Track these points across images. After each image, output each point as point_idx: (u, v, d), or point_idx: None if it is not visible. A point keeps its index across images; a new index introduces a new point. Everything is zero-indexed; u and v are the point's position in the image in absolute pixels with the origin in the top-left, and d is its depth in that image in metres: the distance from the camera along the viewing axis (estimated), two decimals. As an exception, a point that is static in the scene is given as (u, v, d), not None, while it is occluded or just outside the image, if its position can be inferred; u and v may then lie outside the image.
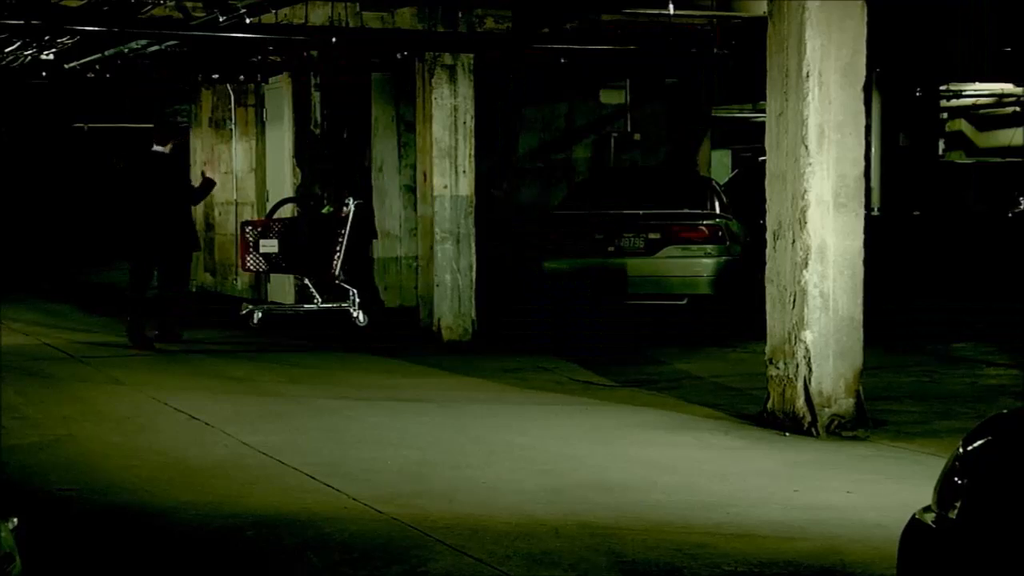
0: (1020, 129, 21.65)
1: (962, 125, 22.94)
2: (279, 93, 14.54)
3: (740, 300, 11.04)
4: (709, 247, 11.43)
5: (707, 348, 10.79)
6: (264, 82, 14.96)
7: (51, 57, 11.98)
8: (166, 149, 11.16)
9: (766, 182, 7.62)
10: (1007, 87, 19.56)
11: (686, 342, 11.08)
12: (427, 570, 4.88)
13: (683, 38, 12.14)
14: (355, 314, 11.95)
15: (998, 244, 12.91)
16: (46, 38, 11.42)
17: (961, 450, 3.38)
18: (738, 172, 18.53)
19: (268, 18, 10.81)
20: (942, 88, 18.66)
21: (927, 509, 3.42)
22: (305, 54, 13.20)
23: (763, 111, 7.89)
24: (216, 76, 14.98)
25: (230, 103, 15.73)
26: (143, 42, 11.49)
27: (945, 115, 21.75)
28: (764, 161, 7.71)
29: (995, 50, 14.57)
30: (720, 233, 11.52)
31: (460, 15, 11.54)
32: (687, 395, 8.60)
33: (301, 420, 7.90)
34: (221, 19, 10.12)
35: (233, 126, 15.81)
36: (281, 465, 6.65)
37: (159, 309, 11.24)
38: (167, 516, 5.70)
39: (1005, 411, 3.57)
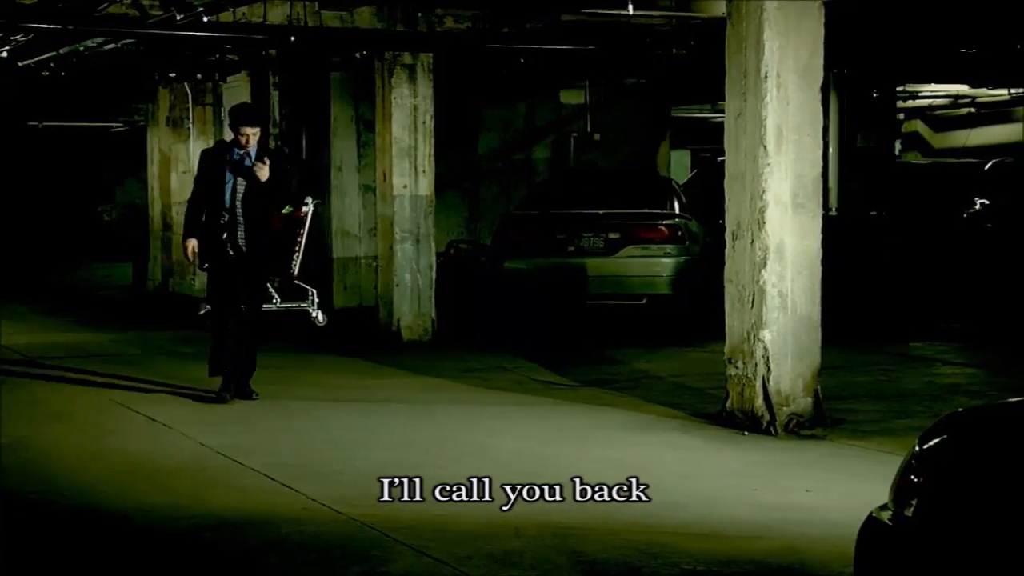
0: (975, 130, 21.89)
1: (918, 126, 23.14)
2: (237, 91, 14.46)
3: (699, 300, 11.09)
4: (669, 247, 11.47)
5: (667, 348, 10.83)
6: (222, 81, 14.86)
7: (4, 55, 11.84)
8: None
9: (725, 182, 7.66)
10: (962, 88, 19.75)
11: (646, 342, 11.11)
12: (387, 570, 4.87)
13: (642, 39, 12.17)
14: (314, 314, 11.90)
15: (954, 244, 13.03)
16: (-1, 35, 11.30)
17: (917, 448, 3.41)
18: (697, 172, 18.59)
19: (226, 17, 10.73)
20: (899, 89, 18.82)
21: (884, 507, 3.45)
22: (263, 53, 13.13)
23: (722, 111, 7.93)
24: (173, 75, 14.88)
25: (188, 102, 15.63)
26: (99, 40, 11.39)
27: (902, 116, 21.95)
28: (723, 161, 7.75)
29: (950, 52, 14.70)
30: (680, 233, 11.57)
31: (420, 15, 11.52)
32: (647, 395, 8.63)
33: (261, 421, 7.86)
34: (178, 17, 10.05)
35: (191, 125, 15.71)
36: (241, 466, 6.62)
37: (242, 347, 8.48)
38: (127, 518, 5.66)
39: (960, 410, 3.61)
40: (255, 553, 5.16)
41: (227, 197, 8.29)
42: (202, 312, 12.15)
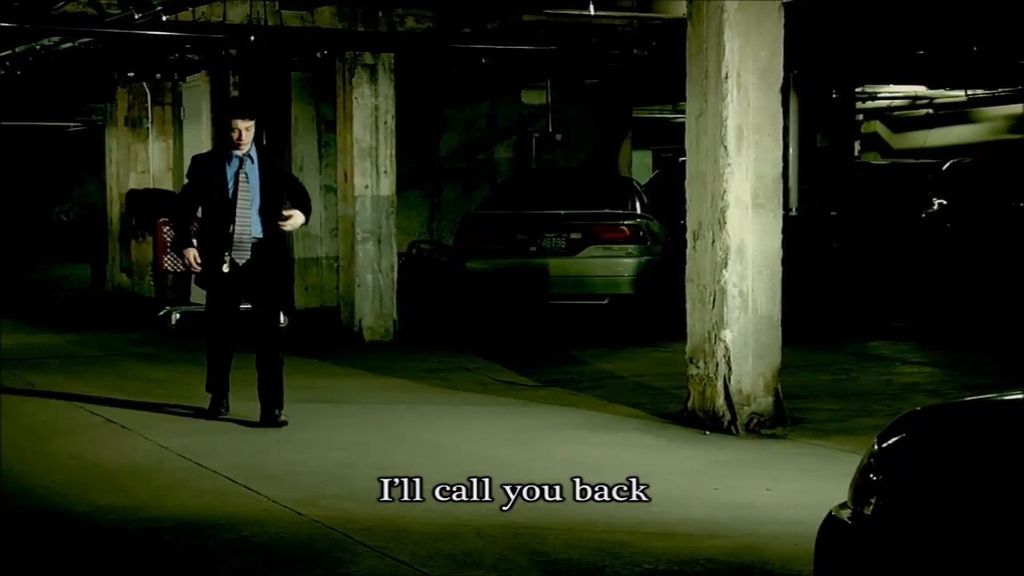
0: (933, 131, 22.07)
1: (877, 127, 23.31)
2: (197, 91, 14.37)
3: (661, 300, 11.12)
4: (630, 247, 11.49)
5: (629, 348, 10.85)
6: (181, 80, 14.77)
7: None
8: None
9: (686, 183, 7.68)
10: (920, 90, 19.92)
11: (608, 342, 11.13)
12: (348, 572, 4.85)
13: (604, 39, 12.19)
14: (275, 315, 11.82)
15: (913, 243, 13.13)
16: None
17: (876, 447, 3.42)
18: (659, 172, 18.64)
19: (185, 16, 10.65)
20: (858, 90, 18.96)
21: (843, 505, 3.46)
22: (223, 52, 13.05)
23: (683, 112, 7.95)
24: (132, 74, 14.75)
25: (147, 101, 15.52)
26: (56, 39, 11.28)
27: (861, 117, 22.11)
28: (684, 162, 7.78)
29: (908, 53, 14.82)
30: (641, 233, 11.60)
31: (381, 14, 11.49)
32: (609, 395, 8.64)
33: (221, 423, 7.81)
34: (136, 16, 9.97)
35: (150, 125, 15.60)
36: (201, 468, 6.57)
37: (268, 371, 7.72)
38: (84, 520, 5.61)
39: (919, 408, 3.62)
40: (216, 555, 5.12)
41: (229, 205, 7.46)
42: (161, 313, 12.10)
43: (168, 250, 12.07)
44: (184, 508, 5.78)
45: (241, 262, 7.56)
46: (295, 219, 7.64)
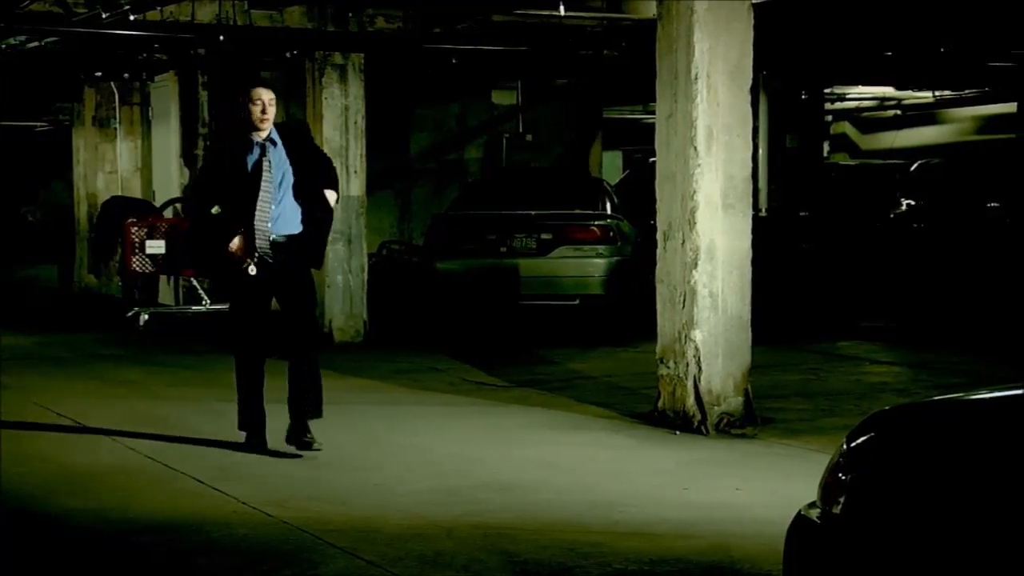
0: (901, 132, 22.21)
1: (846, 128, 23.44)
2: (165, 91, 14.30)
3: (631, 300, 11.13)
4: (601, 247, 11.51)
5: (599, 348, 10.86)
6: (150, 80, 14.69)
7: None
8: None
9: (656, 183, 7.69)
10: (888, 91, 20.05)
11: (579, 342, 11.14)
12: (318, 573, 4.84)
13: (574, 40, 12.21)
14: (245, 316, 11.78)
15: (881, 244, 13.21)
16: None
17: (845, 446, 3.44)
18: (629, 173, 18.69)
19: (153, 15, 10.60)
20: (826, 91, 19.05)
21: (812, 505, 3.47)
22: (192, 52, 12.99)
23: (653, 112, 7.97)
24: (99, 74, 14.66)
25: (114, 101, 15.42)
26: (22, 38, 11.20)
27: (830, 118, 22.22)
28: (654, 162, 7.79)
29: (876, 54, 14.91)
30: (611, 234, 11.61)
31: (351, 14, 11.46)
32: (580, 395, 8.65)
33: (191, 424, 7.77)
34: (104, 15, 9.90)
35: (118, 125, 15.51)
36: (170, 470, 6.53)
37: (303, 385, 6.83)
38: (53, 523, 5.57)
39: (887, 408, 3.64)
40: (185, 557, 5.09)
41: (251, 200, 6.54)
42: (130, 314, 12.02)
43: (136, 251, 11.99)
44: (153, 510, 5.74)
45: (270, 261, 6.62)
46: (330, 200, 6.71)
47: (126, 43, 12.15)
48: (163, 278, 13.43)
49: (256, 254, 6.60)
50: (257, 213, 6.57)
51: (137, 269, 12.22)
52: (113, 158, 15.70)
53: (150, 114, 14.92)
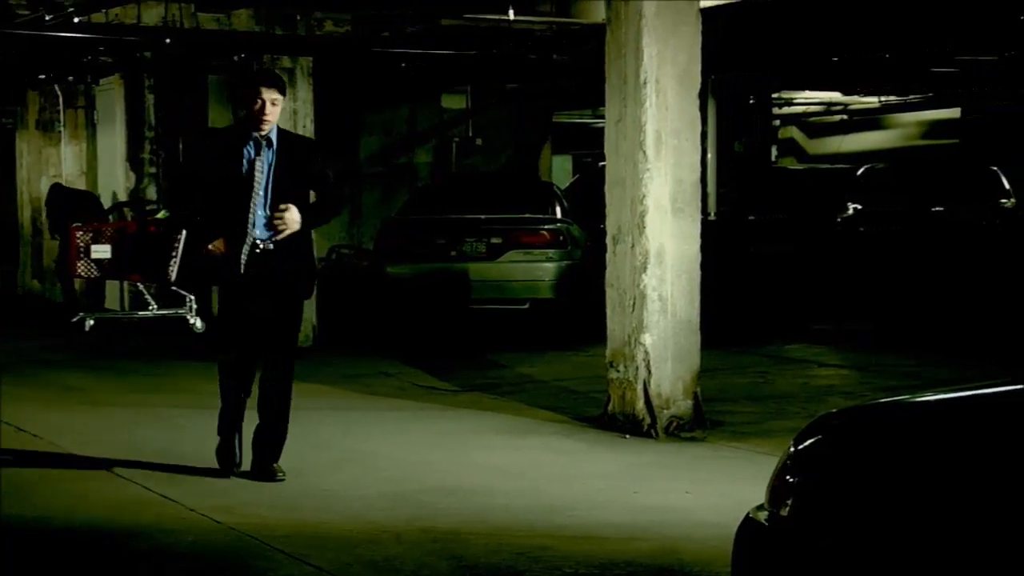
0: (847, 136, 22.43)
1: (794, 132, 23.65)
2: (111, 95, 14.15)
3: (581, 304, 11.16)
4: (551, 252, 11.52)
5: (549, 352, 10.87)
6: (95, 83, 14.53)
7: None
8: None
9: (606, 187, 7.71)
10: (835, 96, 20.24)
11: (529, 346, 11.14)
12: (267, 581, 4.80)
13: (523, 44, 12.22)
14: (192, 320, 11.69)
15: (828, 247, 13.33)
16: None
17: (792, 449, 3.46)
18: (579, 177, 18.74)
19: (98, 17, 10.48)
20: (774, 96, 19.22)
21: (761, 507, 3.49)
22: (138, 55, 12.86)
23: (603, 117, 7.99)
24: (43, 77, 14.48)
25: (59, 104, 15.24)
26: (-36, 40, 11.04)
27: (777, 123, 22.41)
28: (604, 166, 7.81)
29: (823, 60, 15.04)
30: (561, 238, 11.63)
31: (299, 18, 11.40)
32: (530, 399, 8.65)
33: (138, 430, 7.69)
34: (47, 18, 9.78)
35: (62, 128, 15.32)
36: (116, 477, 6.46)
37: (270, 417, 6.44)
38: (-7, 533, 5.48)
39: (834, 410, 3.67)
40: (134, 565, 5.03)
41: (245, 194, 6.15)
42: (75, 319, 11.87)
43: (82, 255, 11.84)
44: (99, 517, 5.67)
45: (259, 274, 6.18)
46: (288, 218, 6.12)
47: (70, 45, 12.02)
48: (118, 283, 13.29)
49: (242, 258, 6.18)
50: (262, 213, 6.18)
51: (83, 274, 12.07)
52: (57, 161, 15.51)
53: (95, 117, 14.76)
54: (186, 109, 13.50)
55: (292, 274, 6.29)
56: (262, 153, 6.21)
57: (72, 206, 13.03)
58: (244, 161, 6.19)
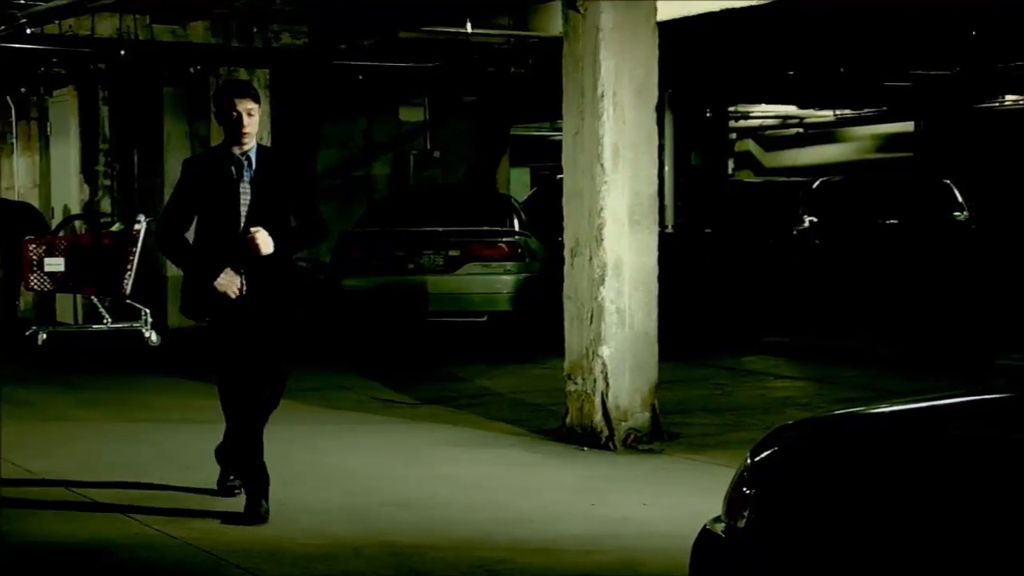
0: (803, 150, 22.62)
1: (750, 145, 23.82)
2: (64, 106, 14.04)
3: (539, 317, 11.16)
4: (509, 264, 11.53)
5: (508, 364, 10.86)
6: (48, 95, 14.41)
7: None
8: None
9: (563, 200, 7.72)
10: (791, 109, 20.42)
11: (487, 359, 11.13)
12: (223, 596, 4.76)
13: (481, 56, 12.24)
14: (147, 334, 11.61)
15: (784, 259, 13.42)
16: None
17: (749, 461, 3.47)
18: (537, 189, 18.78)
19: (52, 29, 10.40)
20: (731, 110, 19.35)
21: (718, 519, 3.50)
22: (92, 67, 12.77)
23: (561, 130, 8.01)
24: (-5, 88, 14.38)
25: (11, 116, 15.10)
26: (-86, 50, 10.92)
27: (734, 136, 22.57)
28: (562, 179, 7.83)
29: (779, 74, 15.17)
30: (519, 250, 11.64)
31: (255, 30, 11.36)
32: (488, 412, 8.64)
33: (91, 444, 7.61)
34: None
35: (14, 140, 15.19)
36: (70, 492, 6.39)
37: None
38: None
39: (790, 422, 3.68)
40: (83, 582, 4.98)
41: (236, 217, 5.77)
42: (28, 333, 11.74)
43: (35, 269, 11.71)
44: (51, 533, 5.60)
45: (248, 300, 5.83)
46: (259, 239, 5.70)
47: (22, 57, 11.91)
48: (71, 296, 13.16)
49: (243, 279, 5.80)
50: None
51: (36, 287, 11.95)
52: (10, 173, 15.37)
53: (48, 129, 14.64)
54: (141, 121, 13.42)
55: (273, 298, 5.91)
56: (244, 174, 5.82)
57: (16, 219, 12.92)
58: (227, 187, 5.80)
